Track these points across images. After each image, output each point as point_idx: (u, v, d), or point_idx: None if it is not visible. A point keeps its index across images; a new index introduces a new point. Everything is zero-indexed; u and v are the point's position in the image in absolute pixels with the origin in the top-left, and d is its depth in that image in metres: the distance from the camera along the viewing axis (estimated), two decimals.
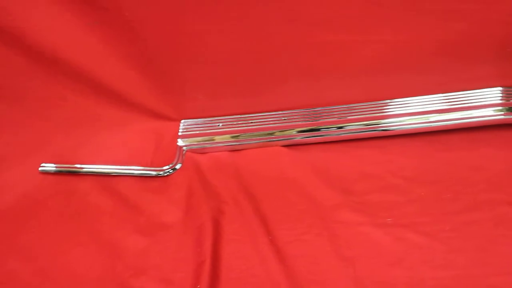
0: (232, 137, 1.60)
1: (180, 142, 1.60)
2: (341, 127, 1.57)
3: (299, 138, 1.58)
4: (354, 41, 1.43)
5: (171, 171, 1.55)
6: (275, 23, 1.40)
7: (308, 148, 1.60)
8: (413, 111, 1.56)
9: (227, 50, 1.46)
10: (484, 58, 1.47)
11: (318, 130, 1.58)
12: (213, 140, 1.60)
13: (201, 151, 1.60)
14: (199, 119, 1.64)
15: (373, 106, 1.59)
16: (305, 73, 1.51)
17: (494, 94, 1.54)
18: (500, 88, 1.54)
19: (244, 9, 1.38)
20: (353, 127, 1.57)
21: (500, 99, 1.53)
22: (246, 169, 1.56)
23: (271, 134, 1.58)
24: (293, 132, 1.58)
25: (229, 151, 1.61)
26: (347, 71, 1.51)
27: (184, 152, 1.58)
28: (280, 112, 1.61)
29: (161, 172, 1.54)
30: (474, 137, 1.56)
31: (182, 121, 1.64)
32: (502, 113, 1.51)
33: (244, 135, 1.60)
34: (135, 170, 1.56)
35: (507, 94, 1.53)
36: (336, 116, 1.59)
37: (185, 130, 1.62)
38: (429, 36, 1.43)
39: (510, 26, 1.39)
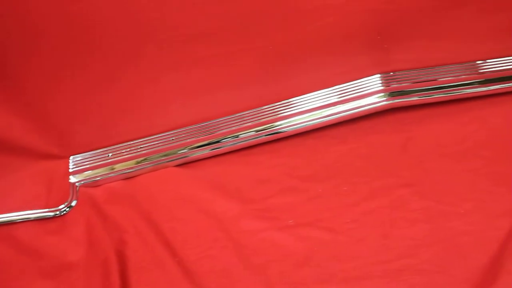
0: (124, 165, 1.56)
1: (72, 179, 1.56)
2: (233, 137, 1.55)
3: (192, 155, 1.56)
4: (236, 51, 1.42)
5: (67, 209, 1.50)
6: (154, 42, 1.36)
7: (202, 164, 1.59)
8: (301, 110, 1.57)
9: (103, 79, 1.42)
10: (359, 48, 1.50)
11: (209, 144, 1.56)
12: (105, 171, 1.55)
13: (95, 184, 1.56)
14: (88, 153, 1.60)
15: (262, 111, 1.56)
16: (192, 90, 1.49)
17: (374, 82, 1.56)
18: (379, 75, 1.55)
19: (115, 33, 1.33)
20: (245, 135, 1.56)
21: (381, 85, 1.54)
22: (142, 195, 1.52)
23: (163, 156, 1.55)
24: (185, 150, 1.54)
25: (123, 179, 1.56)
26: (233, 81, 1.49)
27: (77, 188, 1.54)
28: (169, 132, 1.57)
29: (57, 212, 1.50)
30: (361, 126, 1.59)
31: (71, 157, 1.60)
32: (385, 98, 1.54)
33: (135, 161, 1.54)
34: (31, 214, 1.51)
35: (386, 80, 1.56)
36: (226, 127, 1.57)
37: (75, 166, 1.58)
38: (305, 34, 1.43)
39: (376, 13, 1.40)
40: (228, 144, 1.56)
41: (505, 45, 1.57)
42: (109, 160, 1.57)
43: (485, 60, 1.60)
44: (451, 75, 1.56)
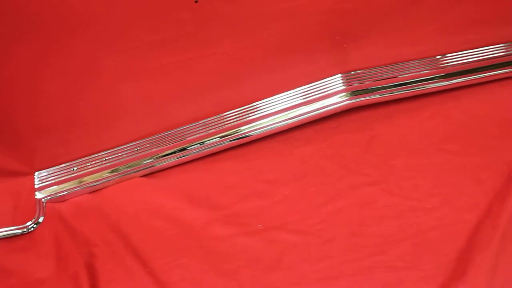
0: (90, 178, 1.55)
1: (38, 195, 1.54)
2: (198, 144, 1.55)
3: (158, 165, 1.56)
4: (196, 57, 1.41)
5: (35, 225, 1.49)
6: (106, 55, 1.35)
7: (168, 173, 1.58)
8: (264, 113, 1.56)
9: (65, 92, 1.41)
10: (318, 49, 1.51)
11: (174, 152, 1.57)
12: (71, 185, 1.54)
13: (61, 199, 1.55)
14: (53, 168, 1.58)
15: (226, 116, 1.57)
16: (154, 98, 1.49)
17: (336, 82, 1.56)
18: (340, 75, 1.56)
19: (74, 45, 1.32)
20: (210, 142, 1.56)
21: (343, 85, 1.54)
22: (109, 208, 1.51)
23: (129, 166, 1.54)
24: (150, 159, 1.54)
25: (90, 192, 1.55)
26: (195, 88, 1.49)
27: (44, 203, 1.53)
28: (134, 143, 1.56)
29: (25, 229, 1.48)
30: (325, 126, 1.60)
31: (36, 173, 1.58)
32: (347, 98, 1.55)
33: (101, 173, 1.53)
34: None
35: (347, 79, 1.57)
36: (191, 134, 1.57)
37: (40, 182, 1.56)
38: (263, 38, 1.43)
39: (334, 14, 1.41)
40: (194, 151, 1.56)
41: (464, 38, 1.58)
42: (75, 174, 1.56)
43: (444, 54, 1.59)
44: (412, 71, 1.58)
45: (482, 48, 1.64)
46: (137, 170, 1.56)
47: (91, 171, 1.56)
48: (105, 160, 1.55)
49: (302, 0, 1.37)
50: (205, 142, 1.58)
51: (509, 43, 1.63)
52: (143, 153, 1.57)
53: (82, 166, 1.57)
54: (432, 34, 1.55)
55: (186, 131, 1.58)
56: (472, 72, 1.62)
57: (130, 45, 1.36)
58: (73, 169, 1.56)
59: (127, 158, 1.57)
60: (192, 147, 1.56)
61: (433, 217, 1.38)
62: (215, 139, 1.56)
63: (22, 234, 1.50)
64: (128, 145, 1.59)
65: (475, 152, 1.48)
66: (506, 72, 1.62)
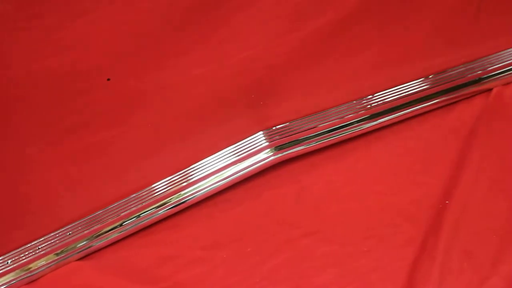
0: (25, 269, 1.52)
1: None
2: (131, 219, 1.54)
3: (92, 246, 1.54)
4: (117, 134, 1.41)
5: None
6: (27, 144, 1.35)
7: (104, 252, 1.56)
8: (191, 180, 1.57)
9: None
10: (236, 110, 1.52)
11: (108, 231, 1.54)
12: (6, 279, 1.52)
13: None
14: None
15: (155, 188, 1.57)
16: (77, 182, 1.48)
17: (258, 139, 1.58)
18: (262, 132, 1.57)
19: None
20: (144, 215, 1.55)
21: (266, 141, 1.56)
22: None
23: (63, 252, 1.52)
24: (84, 242, 1.52)
25: (27, 284, 1.51)
26: (118, 165, 1.48)
27: None
28: (66, 227, 1.54)
29: None
30: (254, 184, 1.60)
31: None
32: (272, 153, 1.56)
33: (36, 263, 1.51)
34: None
35: (269, 135, 1.58)
36: (122, 210, 1.56)
37: None
38: (183, 106, 1.45)
39: (246, 74, 1.43)
40: (127, 227, 1.55)
41: (375, 80, 1.61)
42: (10, 267, 1.52)
43: (361, 98, 1.63)
44: (332, 118, 1.61)
45: (399, 86, 1.67)
46: (72, 254, 1.54)
47: (26, 262, 1.53)
48: (39, 248, 1.53)
49: (213, 65, 1.37)
50: (141, 215, 1.55)
51: (422, 79, 1.66)
52: (76, 236, 1.54)
53: (16, 258, 1.53)
54: (345, 81, 1.57)
55: (117, 208, 1.56)
56: (392, 111, 1.65)
57: (49, 131, 1.35)
58: (7, 262, 1.52)
59: (60, 244, 1.54)
60: (126, 223, 1.54)
61: (371, 259, 1.39)
62: (149, 211, 1.54)
63: None
64: (60, 230, 1.54)
65: (403, 190, 1.50)
66: (423, 107, 1.63)
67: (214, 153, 1.59)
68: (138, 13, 1.27)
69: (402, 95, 1.67)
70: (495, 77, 1.72)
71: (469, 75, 1.70)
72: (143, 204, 1.56)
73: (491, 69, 1.72)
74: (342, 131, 1.62)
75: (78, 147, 1.44)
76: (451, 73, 1.72)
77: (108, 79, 1.35)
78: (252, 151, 1.58)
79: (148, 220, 1.57)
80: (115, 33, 1.28)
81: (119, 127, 1.44)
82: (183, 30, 1.33)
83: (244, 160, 1.58)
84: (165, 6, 1.28)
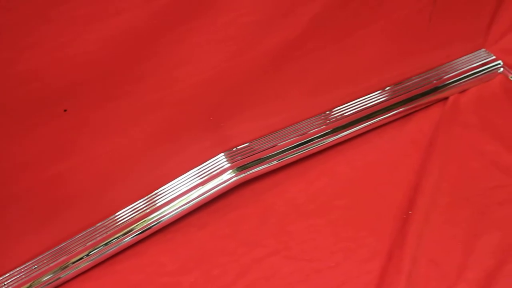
0: None
1: None
2: (95, 249, 1.52)
3: (58, 279, 1.53)
4: (68, 168, 1.40)
5: None
6: None
7: (72, 284, 1.56)
8: (154, 207, 1.56)
9: None
10: (195, 134, 1.52)
11: (72, 263, 1.53)
12: None
13: None
14: None
15: (117, 217, 1.55)
16: (41, 215, 1.46)
17: (220, 160, 1.58)
18: (223, 154, 1.57)
19: None
20: (107, 245, 1.51)
21: (227, 163, 1.56)
22: None
23: (30, 286, 1.51)
24: (50, 275, 1.51)
25: None
26: (79, 195, 1.47)
27: None
28: (31, 261, 1.53)
29: None
30: (218, 206, 1.62)
31: None
32: (234, 174, 1.56)
33: None
34: None
35: (230, 156, 1.59)
36: (85, 242, 1.53)
37: None
38: (140, 133, 1.44)
39: (201, 98, 1.44)
40: (94, 257, 1.54)
41: (330, 97, 1.63)
42: None
43: (320, 114, 1.64)
44: (292, 136, 1.60)
45: (356, 100, 1.68)
46: None
47: None
48: (4, 284, 1.50)
49: (169, 90, 1.37)
50: (108, 243, 1.54)
51: (380, 91, 1.68)
52: (42, 269, 1.53)
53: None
54: (303, 97, 1.59)
55: (80, 239, 1.54)
56: (351, 125, 1.66)
57: (5, 166, 1.34)
58: None
59: (26, 278, 1.52)
60: (90, 254, 1.52)
61: (339, 274, 1.41)
62: (115, 239, 1.54)
63: None
64: (26, 264, 1.53)
65: (365, 202, 1.52)
66: (381, 119, 1.65)
67: (175, 178, 1.58)
68: (89, 44, 1.26)
69: (359, 108, 1.67)
70: (450, 85, 1.74)
71: (425, 85, 1.73)
72: (109, 232, 1.54)
73: (446, 78, 1.74)
74: (303, 147, 1.63)
75: (37, 180, 1.42)
76: (407, 83, 1.73)
77: (65, 110, 1.33)
78: (214, 173, 1.58)
79: (114, 248, 1.54)
80: (67, 64, 1.27)
81: (78, 157, 1.42)
82: (136, 56, 1.32)
83: (207, 183, 1.58)
84: (117, 34, 1.27)
